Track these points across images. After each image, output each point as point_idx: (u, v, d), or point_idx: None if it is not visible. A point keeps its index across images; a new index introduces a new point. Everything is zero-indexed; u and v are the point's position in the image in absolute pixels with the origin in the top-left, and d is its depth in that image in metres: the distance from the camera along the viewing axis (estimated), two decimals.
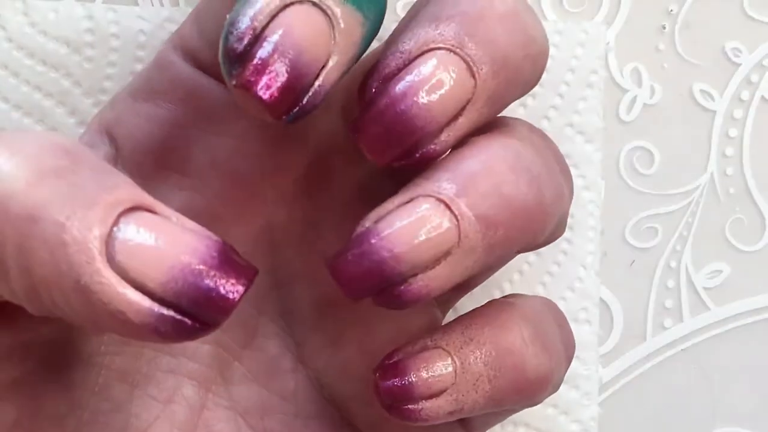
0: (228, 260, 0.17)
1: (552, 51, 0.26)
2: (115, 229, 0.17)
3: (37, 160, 0.17)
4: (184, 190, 0.22)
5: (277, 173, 0.22)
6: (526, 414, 0.27)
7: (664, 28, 0.27)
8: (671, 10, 0.27)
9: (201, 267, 0.17)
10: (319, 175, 0.22)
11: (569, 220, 0.27)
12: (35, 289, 0.17)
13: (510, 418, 0.27)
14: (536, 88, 0.26)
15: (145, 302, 0.17)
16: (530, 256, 0.27)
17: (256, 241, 0.22)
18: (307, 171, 0.22)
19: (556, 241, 0.26)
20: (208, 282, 0.17)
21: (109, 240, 0.17)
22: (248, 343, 0.23)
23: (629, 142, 0.27)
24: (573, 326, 0.26)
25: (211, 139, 0.21)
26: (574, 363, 0.27)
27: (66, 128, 0.25)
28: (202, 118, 0.21)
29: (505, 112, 0.22)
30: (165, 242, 0.17)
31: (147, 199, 0.17)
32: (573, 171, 0.26)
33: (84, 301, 0.16)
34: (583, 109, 0.26)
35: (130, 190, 0.17)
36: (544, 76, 0.26)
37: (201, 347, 0.22)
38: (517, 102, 0.26)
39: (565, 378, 0.26)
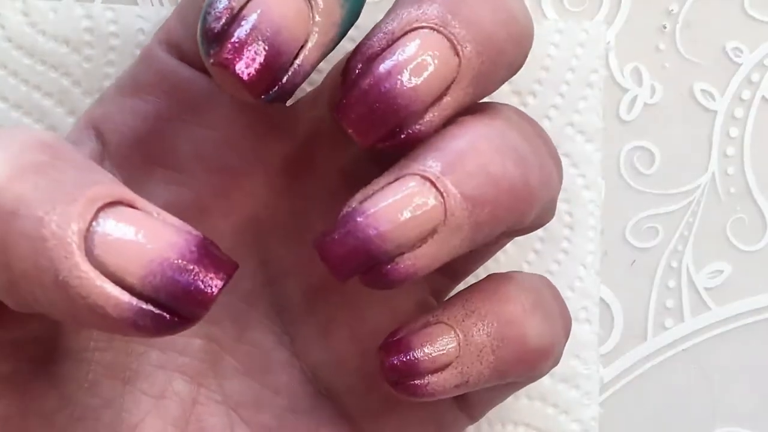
0: (207, 254, 0.17)
1: (552, 50, 0.26)
2: (94, 224, 0.17)
3: (19, 155, 0.17)
4: (171, 184, 0.22)
5: (263, 164, 0.22)
6: (526, 414, 0.27)
7: (665, 27, 0.27)
8: (672, 10, 0.27)
9: (180, 261, 0.17)
10: (304, 165, 0.22)
11: (569, 220, 0.27)
12: (15, 285, 0.17)
13: (510, 417, 0.27)
14: (536, 87, 0.26)
15: (124, 296, 0.17)
16: (530, 254, 0.27)
17: (244, 234, 0.22)
18: (292, 161, 0.22)
19: (557, 240, 0.26)
20: (187, 276, 0.17)
21: (87, 235, 0.17)
22: (240, 336, 0.23)
23: (630, 141, 0.27)
24: (573, 326, 0.26)
25: (197, 131, 0.21)
26: (574, 362, 0.27)
27: (65, 128, 0.25)
28: (187, 111, 0.21)
29: None
30: (144, 236, 0.17)
31: (128, 194, 0.18)
32: (573, 170, 0.26)
33: (63, 296, 0.17)
34: (583, 108, 0.26)
35: (110, 186, 0.17)
36: (544, 75, 0.26)
37: (192, 342, 0.22)
38: (518, 101, 0.26)
39: (566, 377, 0.27)
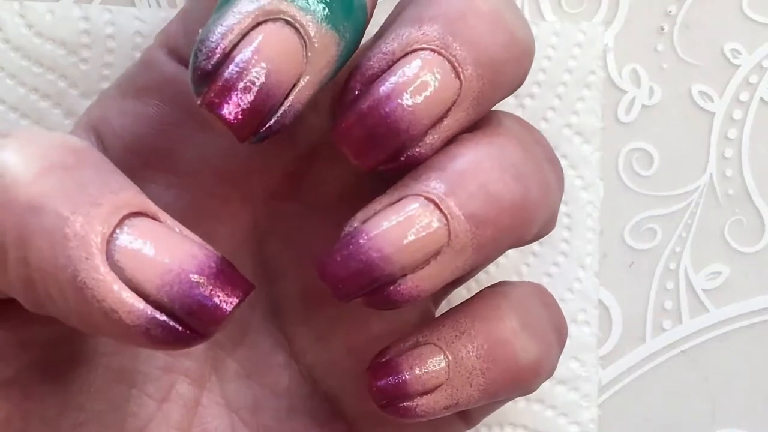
0: (225, 272, 0.18)
1: (550, 52, 0.26)
2: (117, 230, 0.17)
3: (48, 154, 0.18)
4: (171, 188, 0.22)
5: (265, 170, 0.22)
6: (525, 416, 0.27)
7: (663, 29, 0.27)
8: (670, 11, 0.27)
9: (197, 274, 0.17)
10: (305, 170, 0.22)
11: (568, 221, 0.26)
12: (32, 281, 0.17)
13: (509, 419, 0.27)
14: (534, 89, 0.26)
15: (139, 303, 0.17)
16: (529, 257, 0.27)
17: (244, 237, 0.22)
18: (293, 165, 0.22)
19: (555, 242, 0.26)
20: (203, 290, 0.17)
21: (110, 240, 0.17)
22: (241, 340, 0.23)
23: (628, 143, 0.27)
24: (572, 328, 0.26)
25: (199, 137, 0.21)
26: (573, 364, 0.27)
27: (62, 129, 0.25)
28: (189, 117, 0.21)
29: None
30: (165, 248, 0.17)
31: (152, 206, 0.18)
32: (571, 172, 0.26)
33: (79, 297, 0.17)
34: (581, 109, 0.26)
35: (136, 195, 0.18)
36: (541, 77, 0.26)
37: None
38: (515, 103, 0.26)
39: (565, 380, 0.27)
